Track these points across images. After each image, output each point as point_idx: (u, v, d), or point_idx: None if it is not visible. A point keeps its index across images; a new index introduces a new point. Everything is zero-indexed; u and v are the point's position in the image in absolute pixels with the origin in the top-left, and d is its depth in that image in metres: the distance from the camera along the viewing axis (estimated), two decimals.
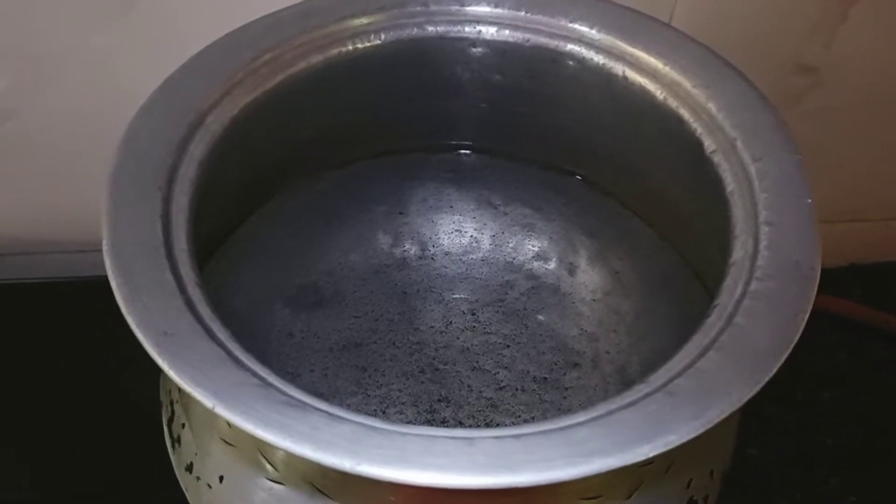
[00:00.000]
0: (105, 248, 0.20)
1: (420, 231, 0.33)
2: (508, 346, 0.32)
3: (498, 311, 0.32)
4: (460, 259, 0.33)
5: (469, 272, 0.33)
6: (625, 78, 0.26)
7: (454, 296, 0.33)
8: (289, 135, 0.28)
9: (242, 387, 0.18)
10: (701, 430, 0.17)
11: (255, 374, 0.18)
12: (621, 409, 0.18)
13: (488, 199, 0.33)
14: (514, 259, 0.33)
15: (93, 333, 0.36)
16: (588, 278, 0.32)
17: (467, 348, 0.31)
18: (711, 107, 0.25)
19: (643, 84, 0.26)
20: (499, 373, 0.31)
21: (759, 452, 0.36)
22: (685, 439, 0.17)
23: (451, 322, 0.32)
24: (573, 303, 0.32)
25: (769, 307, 0.20)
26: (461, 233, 0.33)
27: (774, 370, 0.18)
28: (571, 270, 0.33)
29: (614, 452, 0.17)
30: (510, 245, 0.33)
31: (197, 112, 0.24)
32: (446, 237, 0.33)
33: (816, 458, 0.36)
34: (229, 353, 0.19)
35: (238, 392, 0.17)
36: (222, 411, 0.17)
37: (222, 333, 0.19)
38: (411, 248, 0.33)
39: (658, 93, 0.26)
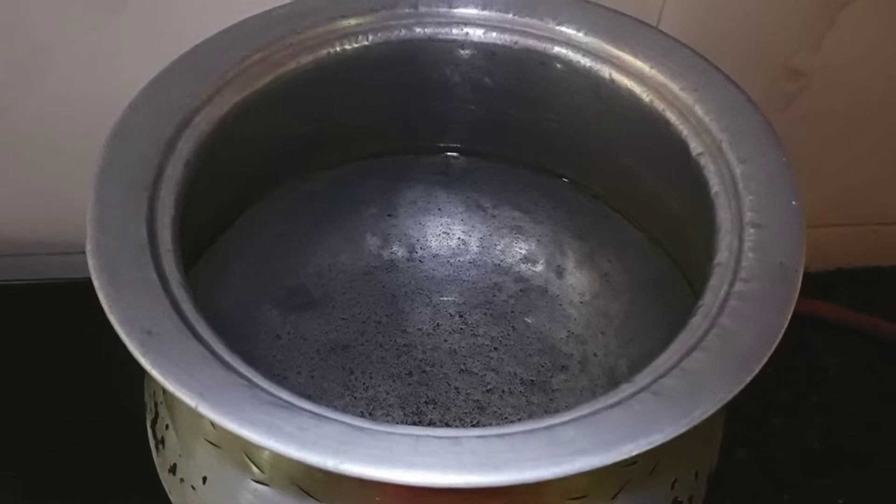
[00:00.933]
0: (89, 247, 0.20)
1: (409, 233, 0.33)
2: (496, 349, 0.32)
3: (486, 314, 0.32)
4: (448, 261, 0.33)
5: (457, 274, 0.33)
6: (612, 81, 0.26)
7: (442, 298, 0.33)
8: (278, 136, 0.28)
9: (228, 387, 0.18)
10: (685, 429, 0.17)
11: (240, 375, 0.18)
12: (606, 409, 0.18)
13: (477, 201, 0.33)
14: (502, 261, 0.33)
15: (81, 336, 0.36)
16: (576, 281, 0.32)
17: (455, 350, 0.31)
18: (698, 109, 0.25)
19: (630, 87, 0.26)
20: (486, 375, 0.31)
21: (747, 455, 0.36)
22: (670, 438, 0.17)
23: (438, 324, 0.32)
24: (561, 305, 0.32)
25: (753, 308, 0.20)
26: (449, 235, 0.33)
27: (758, 370, 0.18)
28: (560, 273, 0.33)
29: (599, 451, 0.17)
30: (498, 247, 0.33)
31: (185, 111, 0.24)
32: (435, 239, 0.33)
33: (804, 460, 0.36)
34: (214, 353, 0.18)
35: (223, 392, 0.17)
36: (206, 411, 0.17)
37: (207, 334, 0.19)
38: (400, 251, 0.33)
39: (645, 96, 0.26)
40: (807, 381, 0.38)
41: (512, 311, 0.32)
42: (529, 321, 0.32)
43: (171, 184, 0.22)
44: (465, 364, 0.31)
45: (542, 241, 0.33)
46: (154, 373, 0.17)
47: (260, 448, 0.20)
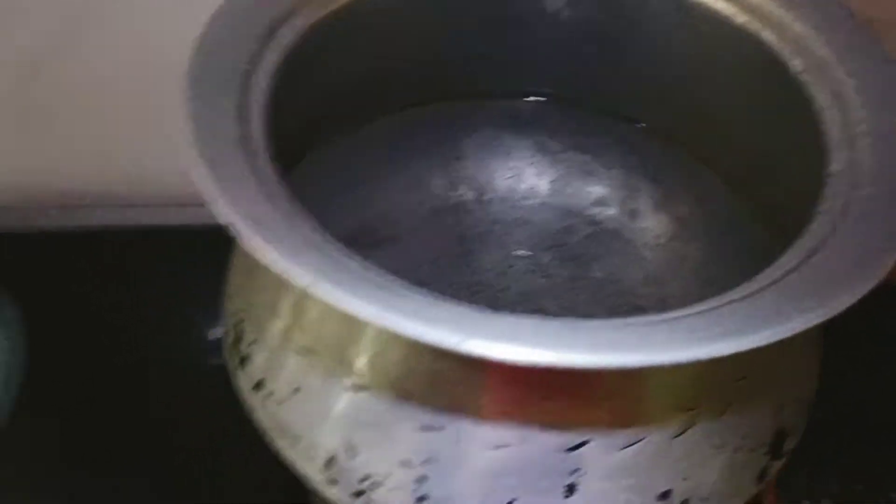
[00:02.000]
0: (188, 140, 0.19)
1: (477, 176, 0.33)
2: (571, 290, 0.31)
3: (558, 256, 0.31)
4: (518, 204, 0.32)
5: (528, 217, 0.32)
6: (700, 2, 0.26)
7: (513, 240, 0.32)
8: (349, 69, 0.28)
9: (341, 270, 0.17)
10: (824, 318, 0.16)
11: (352, 260, 0.17)
12: (733, 303, 0.17)
13: (547, 145, 0.32)
14: (573, 204, 0.32)
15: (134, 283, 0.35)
16: (651, 224, 0.31)
17: (528, 291, 0.31)
18: (797, 27, 0.24)
19: (720, 8, 0.25)
20: (562, 314, 0.30)
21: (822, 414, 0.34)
22: (809, 325, 0.16)
23: (511, 265, 0.31)
24: (636, 248, 0.31)
25: (880, 209, 0.19)
26: (519, 178, 0.33)
27: (891, 264, 0.18)
28: (633, 216, 0.32)
29: (733, 337, 0.16)
30: (569, 191, 0.33)
31: (270, 21, 0.23)
32: (503, 182, 0.33)
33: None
34: (319, 243, 0.18)
35: (337, 274, 0.17)
36: (322, 292, 0.16)
37: (309, 224, 0.18)
38: (468, 193, 0.32)
39: (737, 16, 0.25)
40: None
41: (585, 253, 0.31)
42: (603, 263, 0.31)
43: (258, 91, 0.22)
44: (539, 304, 0.30)
45: (615, 185, 0.32)
46: (265, 253, 0.17)
47: (360, 348, 0.19)
